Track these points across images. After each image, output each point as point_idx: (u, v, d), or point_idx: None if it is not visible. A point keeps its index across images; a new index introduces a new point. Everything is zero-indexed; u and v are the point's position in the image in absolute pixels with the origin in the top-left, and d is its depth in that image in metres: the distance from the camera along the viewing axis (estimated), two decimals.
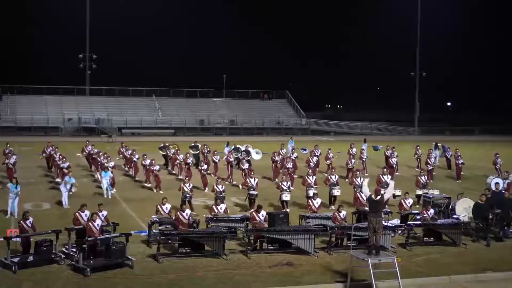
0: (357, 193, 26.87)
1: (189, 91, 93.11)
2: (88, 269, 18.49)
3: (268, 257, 20.74)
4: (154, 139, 62.97)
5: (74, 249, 19.88)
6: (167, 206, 23.54)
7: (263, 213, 22.54)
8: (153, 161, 34.03)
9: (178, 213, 22.11)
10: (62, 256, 19.82)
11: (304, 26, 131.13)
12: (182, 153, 37.67)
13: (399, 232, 23.20)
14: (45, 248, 19.56)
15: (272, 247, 21.50)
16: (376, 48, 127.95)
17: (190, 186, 27.61)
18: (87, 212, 21.24)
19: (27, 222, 20.22)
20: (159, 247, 20.40)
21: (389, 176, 31.42)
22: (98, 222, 20.10)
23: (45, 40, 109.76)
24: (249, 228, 21.71)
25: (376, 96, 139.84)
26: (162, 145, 42.26)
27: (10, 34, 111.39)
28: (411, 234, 22.76)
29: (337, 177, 31.01)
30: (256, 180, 29.60)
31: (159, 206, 23.53)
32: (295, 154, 39.55)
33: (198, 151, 41.15)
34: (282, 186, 28.46)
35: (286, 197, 27.99)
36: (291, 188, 29.88)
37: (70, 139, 65.25)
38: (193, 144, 41.81)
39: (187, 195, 26.85)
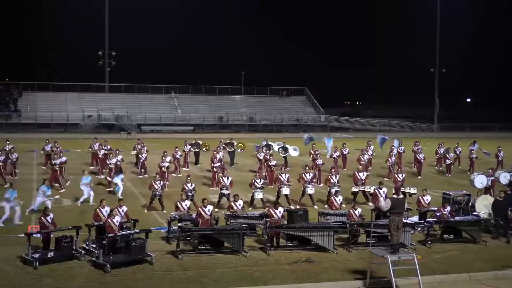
0: (375, 190, 26.86)
1: (208, 88, 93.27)
2: (108, 265, 18.58)
3: (287, 254, 20.73)
4: (173, 136, 63.21)
5: (94, 245, 20.00)
6: (187, 203, 23.59)
7: (280, 209, 22.56)
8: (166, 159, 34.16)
9: (199, 208, 22.13)
10: (83, 252, 19.95)
11: (322, 22, 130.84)
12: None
13: (419, 229, 23.11)
14: (65, 244, 19.68)
15: (291, 244, 21.50)
16: (395, 44, 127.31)
17: (193, 186, 27.29)
18: (107, 208, 21.36)
19: (48, 218, 20.34)
20: (179, 243, 20.47)
21: (365, 173, 30.38)
22: (117, 219, 20.20)
23: (65, 37, 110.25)
24: (268, 225, 21.72)
25: (395, 92, 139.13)
26: (194, 141, 41.85)
27: (30, 31, 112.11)
28: (430, 231, 22.66)
29: (337, 177, 29.73)
30: (365, 174, 30.06)
31: (178, 203, 23.59)
32: (337, 153, 39.59)
33: (233, 149, 41.10)
34: (305, 178, 28.65)
35: (311, 190, 28.42)
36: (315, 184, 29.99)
37: (90, 136, 65.54)
38: (228, 142, 41.60)
39: (157, 193, 26.90)
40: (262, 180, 29.00)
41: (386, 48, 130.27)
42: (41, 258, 19.13)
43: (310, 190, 28.49)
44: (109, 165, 33.02)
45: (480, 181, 28.99)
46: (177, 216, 22.80)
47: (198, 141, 41.95)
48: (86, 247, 20.33)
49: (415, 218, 23.97)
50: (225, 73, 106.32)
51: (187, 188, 26.77)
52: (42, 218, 20.33)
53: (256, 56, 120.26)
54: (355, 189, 28.98)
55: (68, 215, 25.64)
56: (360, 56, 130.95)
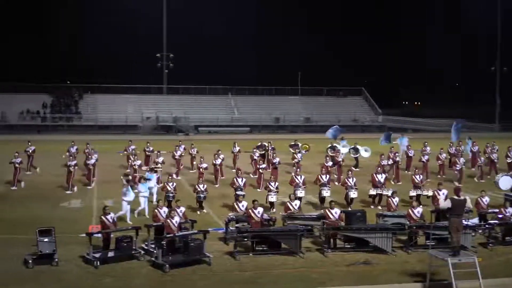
0: (434, 192, 26.46)
1: (264, 89, 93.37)
2: (167, 265, 18.79)
3: (345, 256, 20.62)
4: (230, 137, 63.43)
5: (153, 246, 20.25)
6: (244, 204, 23.63)
7: (336, 210, 22.42)
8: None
9: (250, 210, 22.17)
10: (142, 252, 20.22)
11: (381, 23, 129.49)
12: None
13: (480, 231, 22.69)
14: (125, 244, 19.99)
15: (349, 246, 21.38)
16: (455, 43, 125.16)
17: (204, 187, 27.65)
18: (166, 209, 21.61)
19: (108, 217, 20.63)
20: (236, 244, 20.56)
21: (383, 175, 29.83)
22: (176, 219, 20.39)
23: (124, 40, 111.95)
24: (326, 226, 21.64)
25: (455, 92, 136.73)
26: (293, 143, 41.69)
27: (90, 35, 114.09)
28: (491, 234, 22.22)
29: (355, 179, 29.04)
30: (384, 176, 29.61)
31: (235, 204, 23.69)
32: (412, 151, 39.38)
33: (298, 150, 40.94)
34: (348, 183, 28.37)
35: (354, 194, 28.12)
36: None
37: (148, 137, 66.32)
38: (293, 143, 41.48)
39: (170, 195, 26.85)
40: (277, 183, 28.39)
41: (444, 47, 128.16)
42: (101, 258, 19.47)
43: (353, 194, 28.22)
44: (156, 163, 33.55)
45: (506, 182, 28.02)
46: (234, 217, 22.92)
47: (264, 143, 41.42)
48: (146, 247, 20.59)
49: (476, 220, 23.54)
50: (281, 74, 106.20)
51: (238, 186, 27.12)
52: (103, 217, 20.63)
53: (313, 56, 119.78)
54: (372, 192, 28.68)
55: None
56: (418, 55, 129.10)
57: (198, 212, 27.00)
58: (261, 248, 20.79)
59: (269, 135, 60.12)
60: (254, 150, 39.18)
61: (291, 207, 23.68)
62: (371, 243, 21.05)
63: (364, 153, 41.60)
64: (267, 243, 20.87)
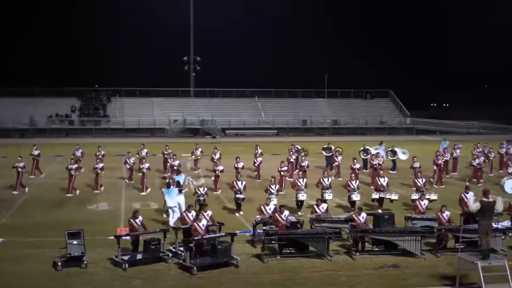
0: (462, 194, 26.15)
1: (291, 92, 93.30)
2: (194, 268, 18.82)
3: (373, 259, 20.49)
4: (257, 140, 63.51)
5: (181, 248, 20.30)
6: (271, 207, 23.62)
7: (363, 215, 22.27)
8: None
9: (276, 214, 22.12)
10: (170, 254, 20.27)
11: (407, 24, 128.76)
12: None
13: (510, 234, 22.41)
14: (153, 247, 20.05)
15: (377, 249, 21.25)
16: (481, 44, 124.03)
17: (205, 190, 27.32)
18: (194, 212, 21.67)
19: (137, 220, 20.74)
20: (264, 247, 20.54)
21: (386, 179, 29.27)
22: (203, 222, 20.41)
23: (151, 44, 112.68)
24: (353, 229, 21.53)
25: (483, 94, 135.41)
26: (327, 146, 41.57)
27: (117, 39, 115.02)
28: None
29: (358, 182, 29.18)
30: (386, 179, 29.34)
31: (262, 207, 23.66)
32: (448, 154, 39.14)
33: (331, 153, 40.70)
34: (351, 185, 28.27)
35: (357, 197, 27.99)
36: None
37: (176, 140, 66.75)
38: (326, 146, 41.30)
39: (201, 198, 26.32)
40: (277, 186, 28.09)
41: (473, 49, 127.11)
42: (130, 260, 19.56)
43: (355, 196, 28.11)
44: (174, 167, 33.72)
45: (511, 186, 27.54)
46: (261, 219, 22.90)
47: (298, 146, 41.20)
48: (173, 250, 20.64)
49: (507, 223, 23.24)
50: (308, 76, 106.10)
51: (272, 190, 26.88)
52: (131, 220, 20.75)
53: (339, 58, 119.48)
54: (375, 195, 28.40)
55: (155, 218, 26.28)
56: (447, 57, 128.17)
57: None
58: (288, 251, 20.75)
59: (296, 138, 60.10)
60: (291, 153, 39.14)
61: (318, 210, 23.62)
62: (400, 246, 20.89)
63: (402, 155, 41.38)
64: (295, 246, 20.82)
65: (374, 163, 35.39)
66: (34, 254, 20.72)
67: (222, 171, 33.99)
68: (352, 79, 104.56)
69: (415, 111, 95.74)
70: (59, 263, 19.04)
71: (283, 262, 20.05)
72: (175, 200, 25.47)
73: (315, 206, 24.01)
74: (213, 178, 33.96)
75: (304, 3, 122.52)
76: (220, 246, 19.62)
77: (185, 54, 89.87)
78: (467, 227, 21.11)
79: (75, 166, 33.30)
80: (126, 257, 19.66)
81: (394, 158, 40.50)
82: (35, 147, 39.34)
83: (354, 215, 22.44)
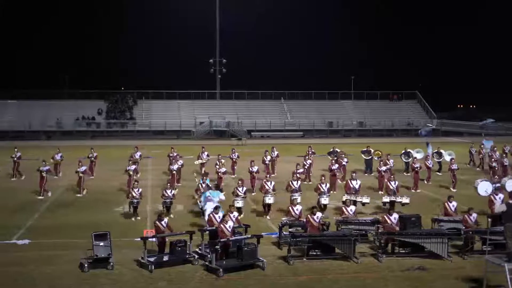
0: (491, 196, 25.89)
1: (317, 93, 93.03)
2: (220, 270, 18.85)
3: (399, 261, 20.38)
4: (283, 142, 63.51)
5: (207, 250, 20.34)
6: (298, 208, 23.57)
7: (395, 216, 22.14)
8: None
9: (308, 215, 22.07)
10: (196, 256, 20.32)
11: (434, 26, 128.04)
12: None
13: None
14: (179, 248, 20.13)
15: (403, 251, 21.11)
16: (508, 45, 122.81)
17: (172, 193, 27.68)
18: (220, 214, 21.70)
19: (163, 222, 20.85)
20: (290, 249, 20.51)
21: (396, 182, 29.08)
22: (230, 224, 20.45)
23: (177, 46, 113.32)
24: (380, 231, 21.42)
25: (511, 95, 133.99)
26: (366, 149, 41.13)
27: (143, 42, 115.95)
28: None
29: (328, 185, 29.01)
30: (397, 183, 29.07)
31: (290, 208, 23.60)
32: (497, 153, 39.29)
33: (370, 156, 40.45)
34: (321, 188, 28.03)
35: (325, 200, 27.59)
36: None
37: (202, 142, 66.89)
38: (365, 149, 40.99)
39: (167, 201, 27.24)
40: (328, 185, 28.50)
41: (499, 50, 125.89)
42: (156, 262, 19.66)
43: (324, 200, 27.72)
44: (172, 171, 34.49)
45: (485, 188, 27.13)
46: (287, 221, 22.88)
47: (336, 149, 41.09)
48: (199, 252, 20.69)
49: None
50: (334, 78, 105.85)
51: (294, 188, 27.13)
52: (157, 222, 20.86)
53: (365, 60, 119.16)
54: (386, 199, 28.02)
55: (181, 219, 26.42)
56: (473, 58, 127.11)
57: (133, 219, 27.18)
58: (314, 253, 20.71)
59: (322, 140, 59.91)
60: (308, 156, 39.03)
61: (346, 212, 23.54)
62: (427, 249, 20.75)
63: (448, 157, 41.05)
64: (321, 248, 20.77)
65: (415, 166, 35.11)
66: (61, 255, 20.92)
67: (224, 173, 34.41)
68: (379, 81, 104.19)
69: (442, 112, 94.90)
70: (86, 264, 19.19)
71: (309, 264, 20.01)
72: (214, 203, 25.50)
73: (343, 208, 23.96)
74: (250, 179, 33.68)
75: (332, 4, 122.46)
76: (246, 248, 19.63)
77: (211, 56, 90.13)
78: (494, 229, 20.90)
79: (46, 168, 33.62)
80: (152, 259, 19.76)
81: (440, 160, 40.25)
82: (58, 150, 39.96)
83: (385, 216, 22.29)
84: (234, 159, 39.56)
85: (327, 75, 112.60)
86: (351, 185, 28.29)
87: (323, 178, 28.77)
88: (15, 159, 39.09)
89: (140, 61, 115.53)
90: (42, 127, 77.78)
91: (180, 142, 65.94)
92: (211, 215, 21.95)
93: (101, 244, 19.57)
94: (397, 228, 21.70)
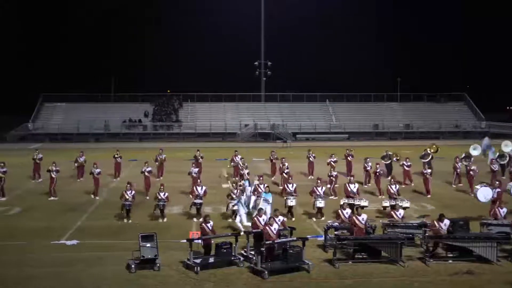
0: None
1: (362, 96, 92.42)
2: (266, 272, 18.86)
3: (447, 265, 20.11)
4: (328, 144, 63.23)
5: (253, 252, 20.37)
6: (348, 211, 23.34)
7: (446, 222, 21.58)
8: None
9: (354, 217, 21.95)
10: (241, 258, 20.37)
11: (482, 27, 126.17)
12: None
13: None
14: (225, 250, 20.22)
15: (451, 255, 20.83)
16: None
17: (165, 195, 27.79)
18: (265, 217, 21.74)
19: (208, 225, 20.98)
20: (335, 252, 20.42)
21: (397, 186, 29.09)
22: (275, 227, 20.46)
23: (222, 50, 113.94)
24: (427, 234, 21.16)
25: None
26: (385, 153, 40.74)
27: (188, 45, 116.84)
28: None
29: (324, 188, 28.84)
30: (397, 187, 29.02)
31: (340, 211, 23.39)
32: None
33: (390, 161, 39.90)
34: (316, 191, 27.85)
35: (321, 204, 27.58)
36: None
37: (246, 144, 67.11)
38: (384, 154, 40.40)
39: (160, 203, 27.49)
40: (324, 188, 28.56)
41: None
42: (202, 263, 19.77)
43: (319, 203, 27.64)
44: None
45: (484, 194, 26.27)
46: (333, 224, 22.78)
47: (389, 152, 40.58)
48: (245, 254, 20.74)
49: None
50: (380, 80, 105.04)
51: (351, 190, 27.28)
52: (203, 224, 21.03)
53: (411, 62, 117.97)
54: (385, 203, 27.62)
55: (226, 222, 26.46)
56: None
57: (160, 220, 27.40)
58: (360, 256, 20.58)
59: (368, 142, 59.46)
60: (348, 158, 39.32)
61: (395, 216, 23.33)
62: (475, 253, 20.45)
63: (508, 148, 40.51)
64: (367, 251, 20.63)
65: (472, 168, 34.72)
66: (108, 256, 21.20)
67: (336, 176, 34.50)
68: (426, 83, 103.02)
69: (490, 114, 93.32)
70: (133, 265, 19.40)
71: (355, 267, 19.89)
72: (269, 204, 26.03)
73: (392, 212, 23.74)
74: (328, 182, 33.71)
75: (378, 6, 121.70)
76: (291, 251, 19.62)
77: (256, 59, 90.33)
78: None
79: (98, 170, 34.05)
80: (198, 260, 19.87)
81: (504, 162, 39.59)
82: (81, 153, 40.48)
83: (435, 221, 21.92)
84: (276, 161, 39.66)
85: (373, 77, 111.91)
86: (349, 189, 28.48)
87: (318, 181, 28.87)
88: (82, 162, 39.74)
89: (186, 65, 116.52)
90: (90, 130, 79.04)
91: (225, 145, 66.22)
92: (255, 218, 22.00)
93: (148, 245, 19.77)
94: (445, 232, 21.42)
